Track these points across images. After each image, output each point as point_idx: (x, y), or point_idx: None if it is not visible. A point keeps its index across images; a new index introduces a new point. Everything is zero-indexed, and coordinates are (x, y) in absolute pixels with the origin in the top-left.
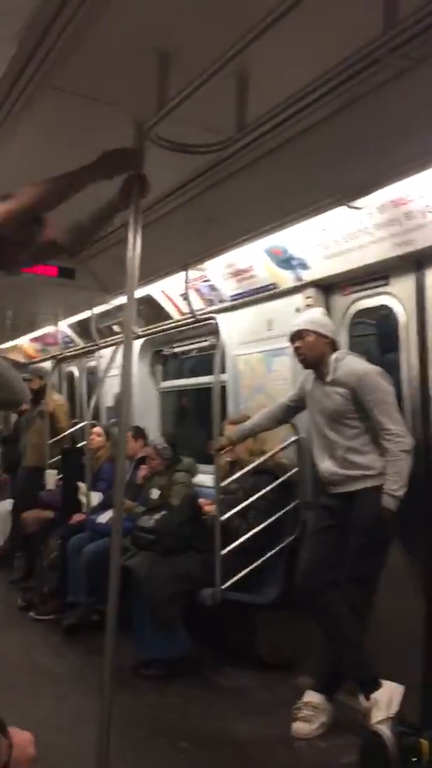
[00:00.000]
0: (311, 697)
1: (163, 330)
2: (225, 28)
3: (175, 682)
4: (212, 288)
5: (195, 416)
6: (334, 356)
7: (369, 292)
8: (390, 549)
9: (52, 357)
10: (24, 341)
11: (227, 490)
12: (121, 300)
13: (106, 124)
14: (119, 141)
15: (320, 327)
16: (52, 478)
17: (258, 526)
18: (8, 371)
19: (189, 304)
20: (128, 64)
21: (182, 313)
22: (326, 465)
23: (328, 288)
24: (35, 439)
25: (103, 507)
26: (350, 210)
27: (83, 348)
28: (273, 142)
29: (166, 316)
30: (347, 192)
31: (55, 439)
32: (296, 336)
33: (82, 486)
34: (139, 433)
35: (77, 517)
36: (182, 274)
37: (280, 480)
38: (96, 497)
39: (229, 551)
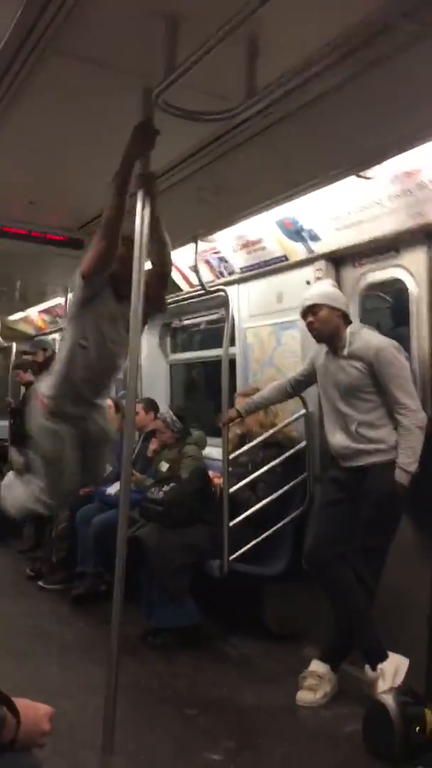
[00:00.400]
0: (316, 666)
1: (173, 302)
2: None
3: (182, 651)
4: (222, 260)
5: (204, 389)
6: (349, 330)
7: (380, 264)
8: (399, 523)
9: (61, 329)
10: (33, 313)
11: (237, 463)
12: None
13: (114, 91)
14: (127, 107)
15: (332, 300)
16: None
17: (267, 498)
18: None
19: (198, 276)
20: (136, 29)
21: (192, 286)
22: (338, 438)
23: (338, 260)
24: None
25: (112, 478)
26: (361, 180)
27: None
28: (283, 110)
29: (176, 289)
30: (358, 161)
31: None
32: (308, 311)
33: None
34: (151, 406)
35: (86, 488)
36: (192, 245)
37: (288, 453)
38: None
39: (237, 523)
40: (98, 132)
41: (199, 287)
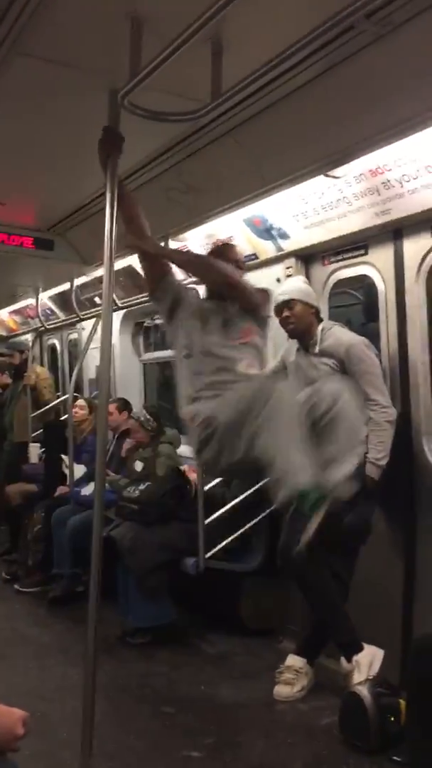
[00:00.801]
0: (293, 661)
1: (145, 301)
2: None
3: (160, 649)
4: None
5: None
6: (321, 327)
7: (348, 262)
8: (371, 517)
9: (33, 330)
10: (4, 314)
11: None
12: (102, 271)
13: (80, 92)
14: (93, 109)
15: (306, 296)
16: (35, 451)
17: (241, 494)
18: None
19: None
20: (100, 30)
21: None
22: None
23: (308, 258)
24: (22, 414)
25: (87, 479)
26: (329, 179)
27: (64, 320)
28: (249, 110)
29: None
30: (325, 160)
31: (38, 412)
32: (284, 306)
33: (65, 459)
34: (124, 406)
35: (61, 490)
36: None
37: None
38: (80, 470)
39: (212, 520)
40: (66, 133)
41: None
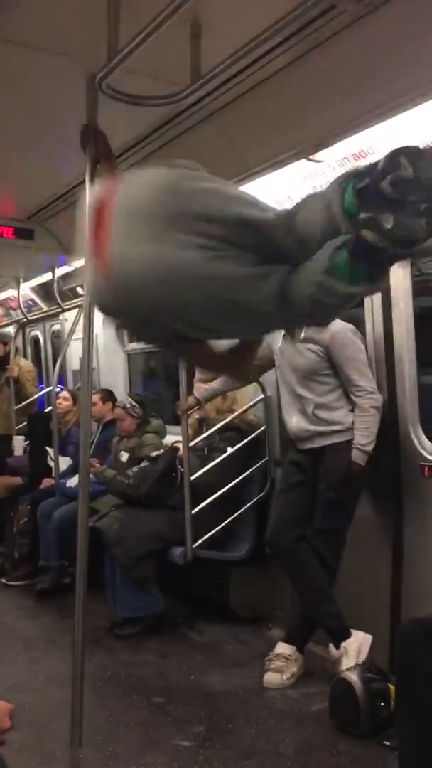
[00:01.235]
0: (282, 648)
1: None
2: None
3: (149, 639)
4: None
5: (163, 378)
6: None
7: None
8: (358, 503)
9: (15, 321)
10: None
11: (196, 449)
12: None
13: (57, 77)
14: (71, 93)
15: None
16: (19, 444)
17: (224, 480)
18: None
19: None
20: (78, 13)
21: None
22: (296, 421)
23: None
24: (4, 406)
25: (72, 471)
26: (311, 164)
27: (47, 311)
28: (230, 94)
29: None
30: (308, 144)
31: (22, 404)
32: None
33: (50, 451)
34: (109, 396)
35: (46, 482)
36: None
37: (248, 438)
38: (65, 462)
39: (199, 509)
40: (44, 120)
41: None
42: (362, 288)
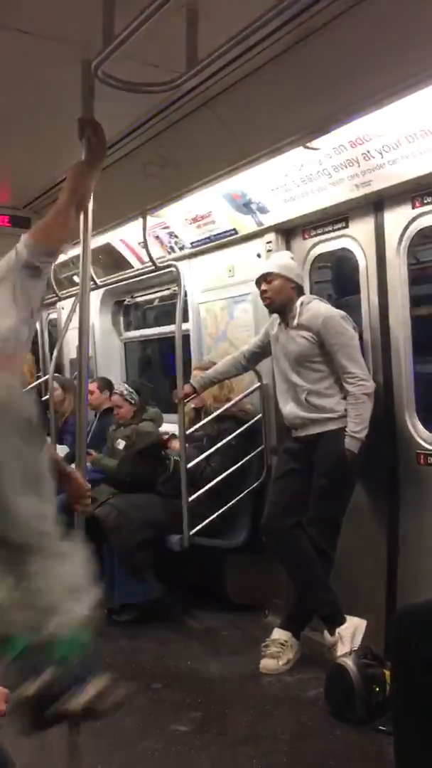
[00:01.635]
0: (279, 634)
1: (124, 279)
2: None
3: (146, 626)
4: (172, 235)
5: (159, 366)
6: (300, 301)
7: (329, 235)
8: (354, 490)
9: None
10: None
11: (193, 437)
12: (79, 250)
13: (52, 63)
14: (67, 80)
15: (286, 271)
16: None
17: (221, 468)
18: None
19: (148, 251)
20: None
21: (142, 262)
22: (290, 408)
23: (288, 232)
24: None
25: (69, 460)
26: (308, 151)
27: (44, 300)
28: (226, 81)
29: (127, 265)
30: (304, 131)
31: None
32: (262, 279)
33: (48, 440)
34: (105, 385)
35: None
36: (140, 221)
37: (245, 426)
38: (62, 451)
39: (196, 497)
40: (40, 106)
41: (149, 263)
42: None
